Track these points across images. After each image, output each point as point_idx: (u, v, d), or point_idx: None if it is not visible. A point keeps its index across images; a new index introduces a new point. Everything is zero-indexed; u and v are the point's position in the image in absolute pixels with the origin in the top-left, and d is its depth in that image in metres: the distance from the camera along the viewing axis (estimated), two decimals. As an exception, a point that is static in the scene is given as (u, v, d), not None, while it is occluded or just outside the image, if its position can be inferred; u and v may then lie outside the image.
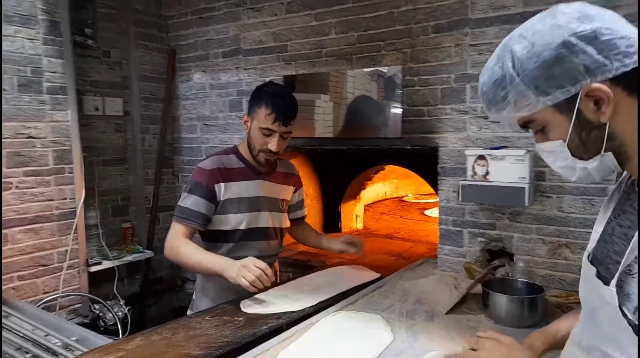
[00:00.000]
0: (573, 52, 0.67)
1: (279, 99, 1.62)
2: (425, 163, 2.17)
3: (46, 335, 1.46)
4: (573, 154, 0.72)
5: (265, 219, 1.74)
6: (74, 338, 1.43)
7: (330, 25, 2.31)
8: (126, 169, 2.89)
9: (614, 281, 0.69)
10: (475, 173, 1.79)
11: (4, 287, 2.08)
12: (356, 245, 1.92)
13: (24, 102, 2.24)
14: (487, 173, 1.76)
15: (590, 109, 0.68)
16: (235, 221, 1.68)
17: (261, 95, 1.64)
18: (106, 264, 2.55)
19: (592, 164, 0.71)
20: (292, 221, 1.92)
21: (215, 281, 1.68)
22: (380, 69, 2.16)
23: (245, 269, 1.45)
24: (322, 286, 1.76)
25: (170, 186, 3.10)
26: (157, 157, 2.98)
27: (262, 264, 1.47)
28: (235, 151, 1.75)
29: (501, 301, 1.44)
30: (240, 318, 1.47)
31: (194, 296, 1.83)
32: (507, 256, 1.88)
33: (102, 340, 1.41)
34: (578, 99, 0.68)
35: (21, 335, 1.46)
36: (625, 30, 0.67)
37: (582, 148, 0.71)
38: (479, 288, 1.64)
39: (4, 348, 1.34)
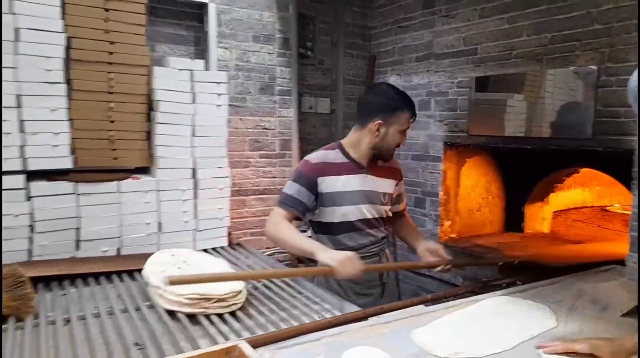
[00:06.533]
0: None
1: (410, 101, 1.77)
2: (618, 166, 2.08)
3: (270, 274, 1.97)
4: None
5: (368, 212, 1.79)
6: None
7: (522, 28, 2.38)
8: (329, 158, 3.44)
9: None
10: (673, 178, 1.69)
11: (241, 239, 2.77)
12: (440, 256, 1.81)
13: (262, 101, 2.94)
14: (689, 178, 1.64)
15: None
16: (342, 213, 1.75)
17: (398, 100, 1.74)
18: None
19: None
20: (394, 213, 1.94)
21: None
22: (574, 68, 2.15)
23: (350, 265, 1.52)
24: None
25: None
26: (354, 149, 3.45)
27: (360, 266, 1.55)
28: (340, 146, 1.81)
29: (684, 309, 1.38)
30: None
31: None
32: None
33: (309, 283, 1.83)
34: None
35: (253, 269, 2.01)
36: None
37: None
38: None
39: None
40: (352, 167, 1.78)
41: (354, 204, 1.76)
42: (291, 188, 1.73)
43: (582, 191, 3.86)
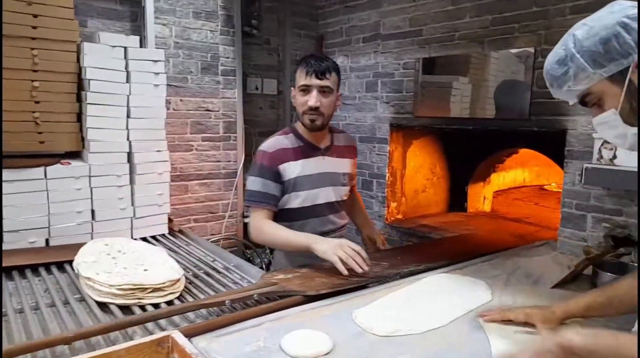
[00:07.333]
0: (626, 30, 0.79)
1: (310, 58, 1.67)
2: (552, 145, 2.17)
3: (213, 260, 1.91)
4: (624, 121, 0.83)
5: (329, 195, 1.77)
6: (232, 264, 1.85)
7: (466, 9, 2.40)
8: (277, 141, 3.38)
9: None
10: (601, 157, 1.77)
11: (184, 226, 2.69)
12: (375, 243, 1.93)
13: (204, 82, 2.83)
14: (615, 156, 1.73)
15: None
16: (301, 198, 1.72)
17: (298, 63, 1.71)
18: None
19: None
20: None
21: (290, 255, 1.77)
22: (516, 51, 2.20)
23: (341, 248, 1.47)
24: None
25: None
26: (302, 131, 3.41)
27: (357, 246, 1.50)
28: (293, 130, 1.77)
29: (608, 281, 1.46)
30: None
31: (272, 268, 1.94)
32: (633, 244, 1.82)
33: (252, 268, 1.80)
34: (629, 71, 0.80)
35: (196, 258, 1.94)
36: None
37: (632, 115, 0.82)
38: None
39: (186, 265, 1.82)
40: (308, 150, 1.74)
41: (315, 188, 1.73)
42: (256, 184, 1.69)
43: (522, 171, 4.04)
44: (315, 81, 1.62)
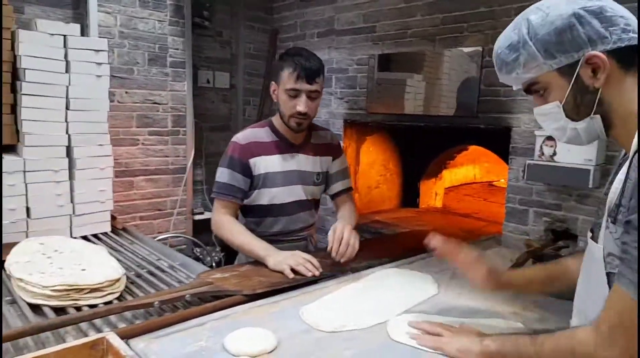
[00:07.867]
0: (581, 22, 0.78)
1: (300, 58, 1.56)
2: (498, 142, 2.23)
3: (158, 259, 1.84)
4: (566, 115, 0.83)
5: (299, 193, 1.73)
6: (178, 263, 1.79)
7: (417, 8, 2.43)
8: (229, 136, 3.28)
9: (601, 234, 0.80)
10: (542, 153, 1.84)
11: (129, 224, 2.59)
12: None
13: (152, 74, 2.72)
14: (555, 153, 1.80)
15: (587, 75, 0.79)
16: (270, 195, 1.68)
17: (283, 58, 1.61)
18: (207, 215, 3.00)
19: (581, 125, 0.83)
20: (334, 194, 1.84)
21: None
22: (468, 50, 2.25)
23: (292, 258, 1.49)
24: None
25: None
26: (256, 127, 3.35)
27: (308, 256, 1.51)
28: (270, 123, 1.71)
29: (547, 272, 1.51)
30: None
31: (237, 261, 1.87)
32: (572, 237, 1.91)
33: (200, 266, 1.75)
34: (579, 65, 0.79)
35: (140, 257, 1.86)
36: (624, 12, 0.79)
37: (575, 110, 0.82)
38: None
39: (129, 264, 1.74)
40: (283, 146, 1.69)
41: (285, 185, 1.69)
42: (224, 175, 1.64)
43: (473, 167, 4.16)
44: (305, 86, 1.55)
